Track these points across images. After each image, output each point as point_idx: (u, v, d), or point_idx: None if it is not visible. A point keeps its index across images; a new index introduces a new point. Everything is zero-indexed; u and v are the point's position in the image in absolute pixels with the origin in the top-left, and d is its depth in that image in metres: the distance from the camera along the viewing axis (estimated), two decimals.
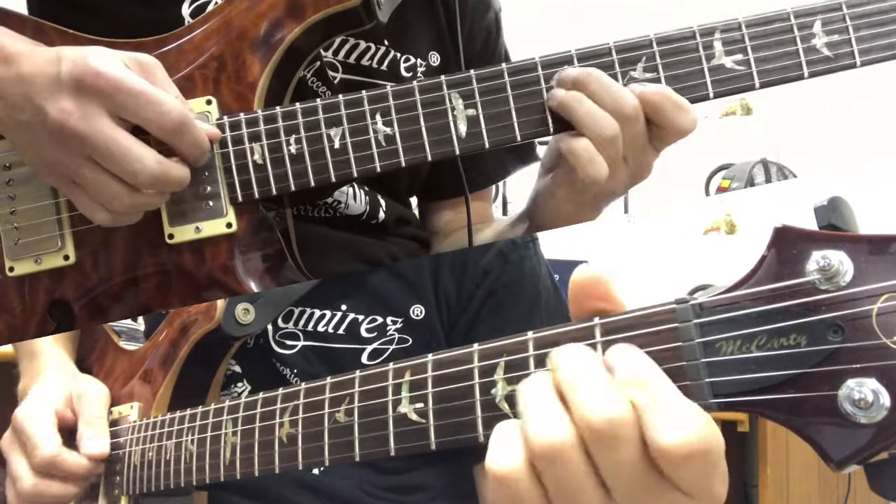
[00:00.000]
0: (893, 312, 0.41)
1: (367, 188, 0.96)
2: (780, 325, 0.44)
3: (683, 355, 0.46)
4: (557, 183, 0.85)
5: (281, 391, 0.69)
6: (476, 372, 0.55)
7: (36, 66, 0.71)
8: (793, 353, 0.43)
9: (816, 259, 0.43)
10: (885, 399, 0.41)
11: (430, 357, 0.58)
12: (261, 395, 0.71)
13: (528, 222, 0.95)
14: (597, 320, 0.50)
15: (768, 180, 2.63)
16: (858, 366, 0.42)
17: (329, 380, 0.64)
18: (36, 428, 0.86)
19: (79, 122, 0.69)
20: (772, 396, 0.44)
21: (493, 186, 1.14)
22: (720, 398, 0.45)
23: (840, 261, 0.43)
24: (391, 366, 0.60)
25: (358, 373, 0.62)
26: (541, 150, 1.03)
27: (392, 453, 0.59)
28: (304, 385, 0.66)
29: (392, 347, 0.92)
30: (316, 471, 0.89)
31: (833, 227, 0.44)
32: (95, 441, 0.87)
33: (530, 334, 0.53)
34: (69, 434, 0.88)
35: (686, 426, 0.42)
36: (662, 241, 2.72)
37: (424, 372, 0.58)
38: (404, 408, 0.58)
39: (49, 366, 0.96)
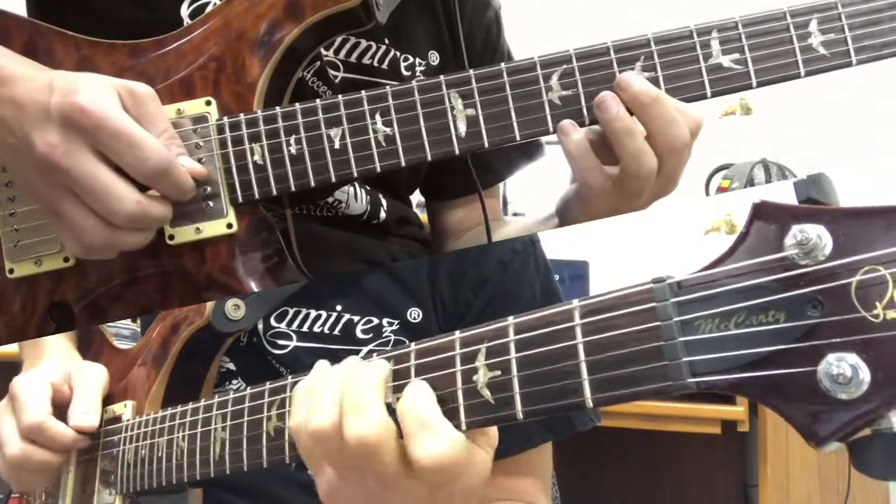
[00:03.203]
0: (872, 285, 0.40)
1: (368, 187, 0.96)
2: (759, 302, 0.43)
3: (661, 335, 0.45)
4: (576, 194, 0.85)
5: (268, 385, 0.68)
6: (458, 359, 0.54)
7: (29, 93, 0.71)
8: (772, 330, 0.42)
9: (794, 233, 0.42)
10: (865, 374, 0.40)
11: (413, 346, 0.58)
12: (249, 389, 0.70)
13: (558, 223, 0.94)
14: (576, 303, 0.50)
15: (768, 180, 2.61)
16: (838, 340, 0.41)
17: None
18: (28, 394, 0.87)
19: (63, 156, 0.69)
20: (751, 374, 0.43)
21: (500, 184, 1.14)
22: (699, 377, 0.44)
23: (818, 234, 0.42)
24: (374, 357, 0.59)
25: None
26: (547, 149, 1.03)
27: None
28: (290, 378, 0.66)
29: (388, 349, 0.91)
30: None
31: (812, 200, 0.44)
32: (84, 414, 0.87)
33: (511, 319, 0.53)
34: (64, 409, 0.88)
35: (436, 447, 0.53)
36: (662, 242, 2.71)
37: (407, 361, 0.57)
38: (388, 397, 0.57)
39: (52, 352, 0.96)
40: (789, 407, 0.42)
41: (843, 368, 0.40)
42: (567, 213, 0.89)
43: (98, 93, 0.71)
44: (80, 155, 0.70)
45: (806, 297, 0.42)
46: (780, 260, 0.43)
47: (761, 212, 0.44)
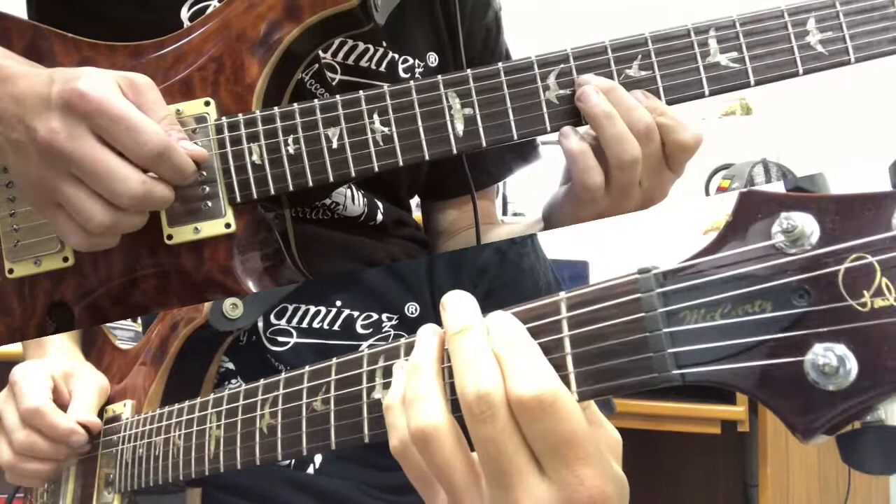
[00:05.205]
0: (860, 274, 0.39)
1: (364, 190, 0.96)
2: (744, 292, 0.42)
3: (646, 326, 0.45)
4: (567, 196, 0.85)
5: (262, 382, 0.68)
6: (447, 354, 0.54)
7: (29, 87, 0.72)
8: (758, 320, 0.42)
9: (781, 221, 0.41)
10: (852, 364, 0.39)
11: (403, 341, 0.57)
12: (243, 387, 0.70)
13: (543, 227, 0.94)
14: (562, 295, 0.49)
15: (768, 180, 2.60)
16: (825, 330, 0.40)
17: (307, 368, 0.64)
18: (28, 382, 0.88)
19: (65, 140, 0.70)
20: (736, 365, 0.42)
21: (496, 186, 1.14)
22: (684, 369, 0.44)
23: (804, 222, 0.41)
24: (365, 352, 0.59)
25: (335, 360, 0.62)
26: (544, 150, 1.03)
27: (366, 440, 0.58)
28: (283, 375, 0.66)
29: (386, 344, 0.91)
30: (311, 470, 0.88)
31: (800, 189, 0.43)
32: (85, 412, 0.88)
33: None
34: (62, 408, 0.89)
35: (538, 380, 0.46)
36: (662, 242, 2.70)
37: (397, 357, 0.57)
38: (378, 393, 0.57)
39: (55, 350, 0.97)
40: (775, 398, 0.41)
41: (830, 359, 0.39)
42: (555, 216, 0.89)
43: (98, 80, 0.72)
44: (83, 139, 0.70)
45: (792, 286, 0.41)
46: (766, 249, 0.42)
47: (748, 200, 0.43)
